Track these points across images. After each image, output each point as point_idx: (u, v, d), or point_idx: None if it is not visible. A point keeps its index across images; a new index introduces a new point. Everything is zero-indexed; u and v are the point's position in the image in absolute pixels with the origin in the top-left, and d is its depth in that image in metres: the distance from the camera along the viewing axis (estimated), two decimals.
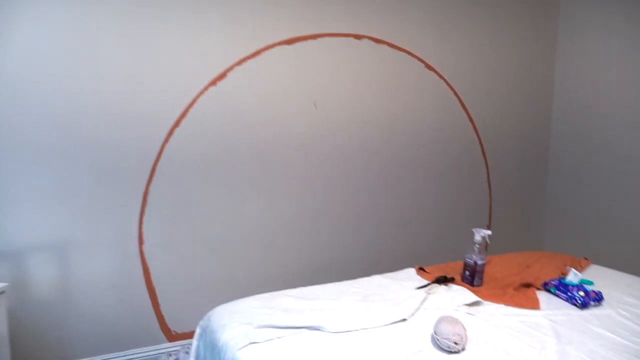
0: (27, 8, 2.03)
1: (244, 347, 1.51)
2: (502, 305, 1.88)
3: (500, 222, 3.43)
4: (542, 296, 1.98)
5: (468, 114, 3.20)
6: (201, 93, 2.41)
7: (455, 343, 1.48)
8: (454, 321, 1.53)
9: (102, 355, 2.36)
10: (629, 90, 3.00)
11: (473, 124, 3.23)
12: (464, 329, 1.53)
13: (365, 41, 2.79)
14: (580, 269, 2.29)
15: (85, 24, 2.14)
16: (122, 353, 2.40)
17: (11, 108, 2.05)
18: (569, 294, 1.90)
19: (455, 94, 3.13)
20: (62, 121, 2.14)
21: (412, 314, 1.76)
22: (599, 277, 2.21)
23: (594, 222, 3.25)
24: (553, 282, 2.01)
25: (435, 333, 1.53)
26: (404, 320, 1.72)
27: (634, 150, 2.98)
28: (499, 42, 3.24)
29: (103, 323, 2.34)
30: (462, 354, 1.49)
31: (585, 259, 2.44)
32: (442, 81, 3.06)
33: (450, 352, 1.49)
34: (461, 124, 3.19)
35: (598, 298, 1.87)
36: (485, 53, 3.20)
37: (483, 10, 3.14)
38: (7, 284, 1.84)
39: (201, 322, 1.85)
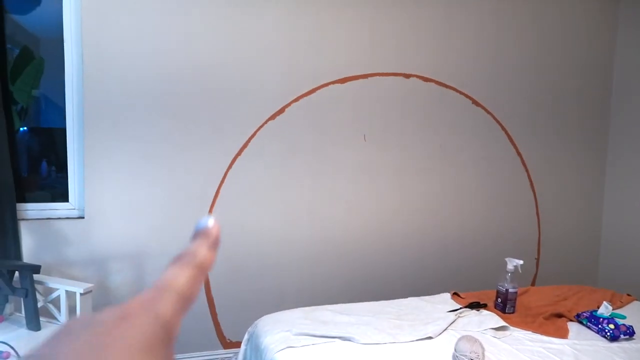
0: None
1: (281, 350, 1.73)
2: (530, 332, 1.97)
3: (552, 254, 3.43)
4: (573, 327, 2.04)
5: (515, 147, 3.28)
6: (261, 127, 2.73)
7: None
8: (472, 340, 1.66)
9: None
10: None
11: (520, 156, 3.30)
12: (482, 348, 1.66)
13: (413, 80, 3.00)
14: (620, 304, 2.30)
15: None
16: (183, 355, 2.70)
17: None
18: (599, 326, 1.95)
19: (503, 128, 3.23)
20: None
21: (439, 333, 1.90)
22: (639, 313, 2.21)
23: None
24: (585, 314, 2.06)
25: (455, 350, 1.67)
26: (430, 338, 1.86)
27: None
28: (552, 87, 3.32)
29: None
30: None
31: (629, 295, 2.44)
32: (489, 116, 3.19)
33: None
34: (509, 155, 3.27)
35: (629, 332, 1.91)
36: (537, 97, 3.28)
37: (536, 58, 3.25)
38: (92, 284, 2.19)
39: (249, 329, 2.09)
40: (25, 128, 2.68)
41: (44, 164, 2.75)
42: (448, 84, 3.08)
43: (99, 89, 2.43)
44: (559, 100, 3.36)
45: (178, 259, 0.32)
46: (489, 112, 3.19)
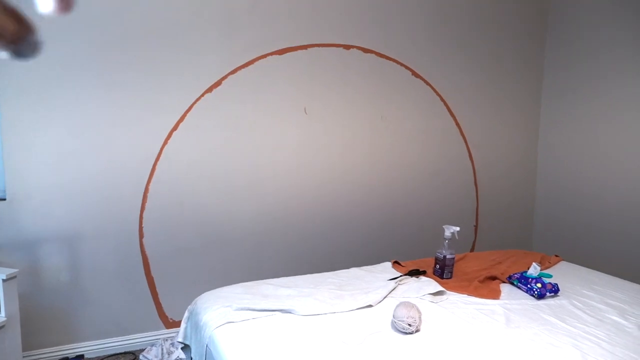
0: None
1: (221, 325, 1.69)
2: (465, 296, 2.04)
3: (488, 222, 3.57)
4: (505, 288, 2.13)
5: (454, 118, 3.35)
6: (198, 99, 2.62)
7: (409, 325, 1.64)
8: (409, 306, 1.70)
9: (106, 339, 2.58)
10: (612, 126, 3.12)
11: (459, 127, 3.38)
12: (419, 312, 1.70)
13: (353, 51, 2.98)
14: (548, 264, 2.43)
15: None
16: (124, 337, 2.62)
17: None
18: (528, 286, 2.05)
19: (442, 99, 3.28)
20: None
21: (379, 301, 1.93)
22: (565, 272, 2.35)
23: (583, 229, 3.36)
24: (516, 275, 2.15)
25: (393, 316, 1.70)
26: (370, 306, 1.89)
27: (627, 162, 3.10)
28: (489, 60, 3.39)
29: (107, 309, 2.56)
30: (415, 335, 1.65)
31: (556, 256, 2.58)
32: (428, 87, 3.23)
33: (405, 333, 1.66)
34: (448, 126, 3.34)
35: (554, 290, 2.02)
36: (474, 69, 3.35)
37: (474, 28, 3.30)
38: (17, 270, 2.06)
39: (189, 307, 2.04)
40: None
41: None
42: (389, 55, 3.08)
43: (13, 64, 2.24)
44: (494, 72, 3.44)
45: None
46: (428, 84, 3.22)
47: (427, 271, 2.29)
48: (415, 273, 2.25)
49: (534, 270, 2.11)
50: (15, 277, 2.03)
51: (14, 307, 2.04)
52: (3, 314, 1.99)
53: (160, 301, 2.68)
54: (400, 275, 2.22)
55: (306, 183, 2.95)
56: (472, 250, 3.54)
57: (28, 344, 2.36)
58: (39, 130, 2.32)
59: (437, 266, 2.26)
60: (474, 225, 3.55)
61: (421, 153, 3.28)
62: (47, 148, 2.35)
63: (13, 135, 2.28)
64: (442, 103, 3.29)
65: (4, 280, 1.97)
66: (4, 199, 2.31)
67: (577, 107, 3.35)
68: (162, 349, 2.51)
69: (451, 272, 2.25)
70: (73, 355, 2.50)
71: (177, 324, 2.70)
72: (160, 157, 2.58)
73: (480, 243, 3.57)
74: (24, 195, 2.33)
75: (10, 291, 2.02)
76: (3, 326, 1.98)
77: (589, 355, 1.52)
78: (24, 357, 2.16)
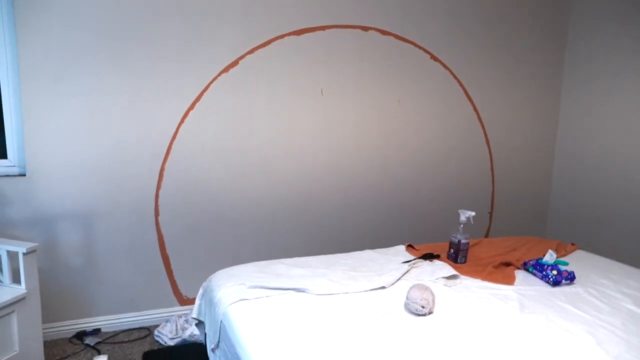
0: None
1: (235, 302, 1.71)
2: (479, 280, 2.03)
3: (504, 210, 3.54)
4: (520, 274, 2.11)
5: (472, 103, 3.30)
6: (214, 79, 2.62)
7: (422, 307, 1.65)
8: (423, 288, 1.70)
9: (121, 314, 2.63)
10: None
11: (477, 112, 3.33)
12: (433, 295, 1.69)
13: (371, 33, 2.94)
14: (564, 252, 2.40)
15: None
16: (139, 313, 2.66)
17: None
18: (543, 272, 2.03)
19: (460, 83, 3.24)
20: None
21: (392, 283, 1.93)
22: (581, 261, 2.32)
23: (599, 219, 3.32)
24: (531, 262, 2.13)
25: (407, 298, 1.70)
26: (383, 288, 1.89)
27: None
28: (508, 43, 3.32)
29: (122, 286, 2.61)
30: (428, 317, 1.65)
31: (573, 244, 2.54)
32: (447, 71, 3.18)
33: (418, 315, 1.66)
34: (466, 111, 3.30)
35: (570, 277, 1.99)
36: (494, 54, 3.29)
37: (495, 11, 3.23)
38: (37, 244, 2.10)
39: (204, 284, 2.06)
40: None
41: None
42: (407, 38, 3.03)
43: (34, 40, 2.26)
44: (514, 57, 3.38)
45: None
46: (446, 67, 3.18)
47: (441, 255, 2.28)
48: (429, 257, 2.24)
49: (550, 257, 2.09)
50: (35, 251, 2.07)
51: (33, 280, 2.09)
52: (23, 286, 2.04)
53: (175, 279, 2.71)
54: (414, 259, 2.21)
55: (320, 165, 2.95)
56: (486, 236, 3.52)
57: (47, 317, 2.42)
58: (58, 109, 2.35)
59: (451, 250, 2.25)
60: (489, 212, 3.52)
61: (438, 138, 3.24)
62: (65, 127, 2.37)
63: (33, 114, 2.31)
64: (460, 87, 3.25)
65: (24, 254, 2.01)
66: (24, 175, 2.34)
67: (599, 94, 3.27)
68: (176, 325, 2.55)
69: (465, 257, 2.24)
70: (90, 329, 2.56)
71: (190, 302, 2.74)
72: (177, 137, 2.59)
73: (495, 230, 3.54)
74: (43, 172, 2.37)
75: (30, 264, 2.06)
76: (24, 298, 2.02)
77: (604, 343, 1.51)
78: (43, 329, 2.21)
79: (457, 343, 1.46)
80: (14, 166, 2.37)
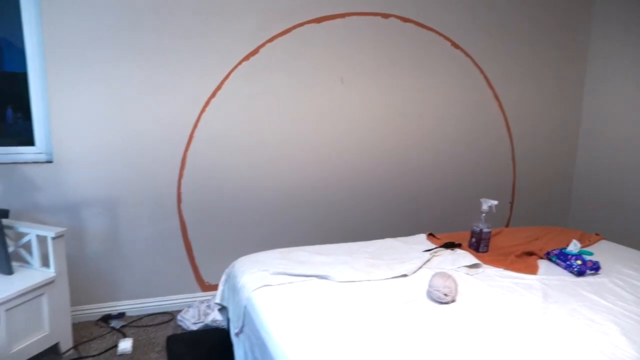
0: None
1: (258, 288, 1.74)
2: (501, 269, 2.02)
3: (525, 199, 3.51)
4: (543, 264, 2.10)
5: (494, 91, 3.26)
6: (235, 67, 2.63)
7: (445, 295, 1.65)
8: (446, 276, 1.70)
9: (145, 299, 2.68)
10: None
11: (498, 100, 3.29)
12: (455, 283, 1.70)
13: (392, 20, 2.91)
14: (588, 242, 2.38)
15: None
16: (162, 298, 2.72)
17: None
18: (567, 262, 2.01)
19: (482, 71, 3.19)
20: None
21: (414, 271, 1.94)
22: (605, 251, 2.29)
23: (621, 207, 3.26)
24: (554, 252, 2.12)
25: (429, 286, 1.71)
26: (405, 275, 1.90)
27: None
28: (531, 31, 3.26)
29: (146, 271, 2.66)
30: (451, 305, 1.66)
31: (597, 234, 2.51)
32: (468, 59, 3.14)
33: (441, 303, 1.66)
34: (487, 100, 3.26)
35: (595, 267, 1.97)
36: (515, 42, 3.23)
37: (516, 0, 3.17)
38: (65, 229, 2.15)
39: (227, 270, 2.10)
40: None
41: (9, 111, 2.63)
42: (428, 25, 3.00)
43: (59, 27, 2.29)
44: (537, 45, 3.31)
45: None
46: (468, 55, 3.13)
47: (462, 244, 2.27)
48: (450, 245, 2.24)
49: (574, 247, 2.07)
50: (63, 235, 2.12)
51: (62, 264, 2.14)
52: (52, 269, 2.10)
53: (197, 265, 2.76)
54: (435, 247, 2.21)
55: (340, 153, 2.95)
56: (506, 227, 3.49)
57: (74, 300, 2.47)
58: (82, 97, 2.39)
59: (473, 239, 2.24)
60: (510, 202, 3.49)
61: (458, 126, 3.21)
62: (89, 114, 2.41)
63: (59, 102, 2.35)
64: (481, 75, 3.20)
65: (52, 238, 2.06)
66: (51, 162, 2.39)
67: (623, 82, 3.20)
68: (198, 311, 2.59)
69: (487, 246, 2.23)
70: (115, 313, 2.62)
71: (212, 288, 2.78)
72: (198, 125, 2.61)
73: (515, 220, 3.51)
74: (69, 159, 2.41)
75: (58, 248, 2.11)
76: (53, 281, 2.08)
77: (630, 332, 1.49)
78: (71, 312, 2.27)
79: (481, 331, 1.47)
80: (42, 153, 2.42)
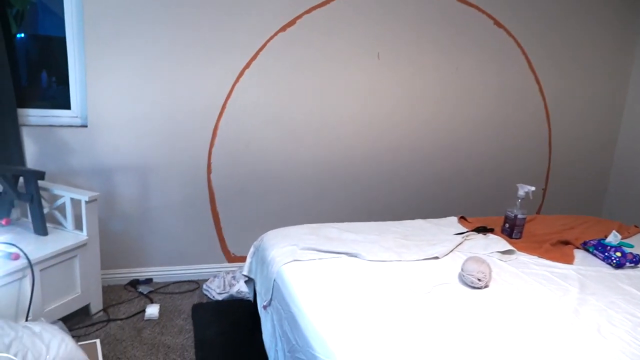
0: None
1: (288, 262, 1.73)
2: (536, 257, 1.97)
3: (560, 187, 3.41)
4: (579, 254, 2.03)
5: (535, 75, 3.13)
6: (271, 38, 2.58)
7: (479, 280, 1.61)
8: (480, 260, 1.66)
9: (172, 267, 2.72)
10: None
11: (539, 84, 3.17)
12: (489, 269, 1.65)
13: None
14: (627, 234, 2.29)
15: None
16: (188, 267, 2.75)
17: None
18: (606, 254, 1.94)
19: (524, 53, 3.07)
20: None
21: (445, 254, 1.90)
22: None
23: None
24: (592, 242, 2.05)
25: (462, 270, 1.67)
26: (437, 258, 1.86)
27: None
28: (578, 14, 3.10)
29: (174, 239, 2.68)
30: (484, 290, 1.62)
31: (636, 226, 2.42)
32: (511, 39, 3.02)
33: (474, 288, 1.63)
34: (527, 83, 3.14)
35: (635, 260, 1.90)
36: (564, 27, 3.08)
37: None
38: (98, 193, 2.17)
39: (255, 243, 2.09)
40: (22, 34, 2.54)
41: (44, 75, 2.64)
42: (470, 1, 2.88)
43: None
44: (585, 30, 3.16)
45: None
46: (511, 35, 3.01)
47: (495, 229, 2.22)
48: (482, 230, 2.19)
49: (614, 238, 2.00)
50: (96, 199, 2.15)
51: (94, 228, 2.17)
52: (85, 233, 2.13)
53: (224, 235, 2.77)
54: (467, 231, 2.16)
55: (372, 130, 2.90)
56: (537, 214, 3.40)
57: (104, 264, 2.52)
58: (118, 64, 2.38)
59: (507, 225, 2.18)
60: (543, 189, 3.39)
61: (495, 109, 3.11)
62: (124, 81, 2.41)
63: (95, 69, 2.35)
64: (523, 58, 3.08)
65: (86, 202, 2.09)
66: (86, 126, 2.41)
67: None
68: (224, 281, 2.62)
69: (521, 232, 2.17)
70: (143, 278, 2.67)
71: (238, 259, 2.80)
72: (232, 95, 2.59)
73: (547, 207, 3.42)
74: (103, 124, 2.43)
75: (91, 212, 2.14)
76: (85, 244, 2.12)
77: None
78: (101, 275, 2.32)
79: (515, 319, 1.43)
80: (77, 117, 2.44)
